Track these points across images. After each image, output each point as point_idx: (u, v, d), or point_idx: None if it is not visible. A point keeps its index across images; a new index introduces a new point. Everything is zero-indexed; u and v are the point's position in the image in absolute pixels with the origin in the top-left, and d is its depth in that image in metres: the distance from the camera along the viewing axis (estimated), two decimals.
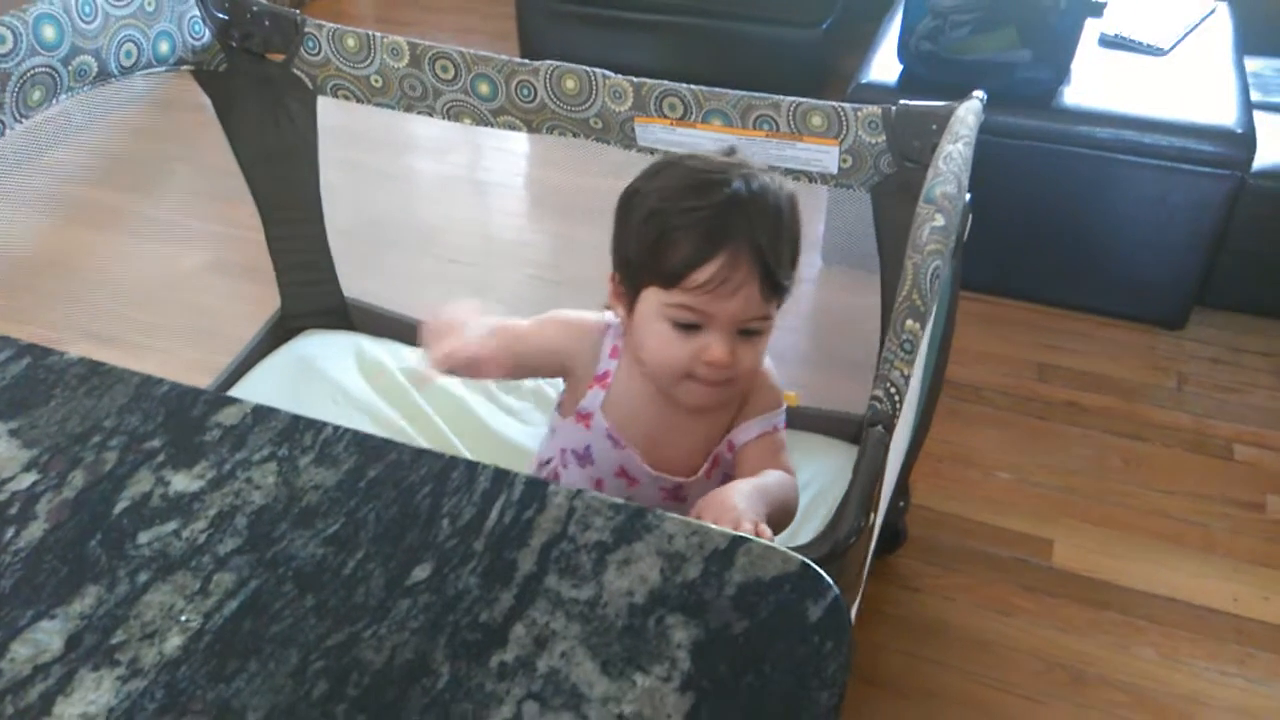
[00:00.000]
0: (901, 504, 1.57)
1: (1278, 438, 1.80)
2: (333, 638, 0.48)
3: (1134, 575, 1.56)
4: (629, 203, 0.96)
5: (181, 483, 0.55)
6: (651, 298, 0.93)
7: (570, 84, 1.26)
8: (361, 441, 0.57)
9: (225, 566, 0.51)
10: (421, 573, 0.51)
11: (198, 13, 1.32)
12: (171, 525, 0.53)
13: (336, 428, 0.57)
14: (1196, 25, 2.16)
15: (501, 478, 0.55)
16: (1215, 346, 2.00)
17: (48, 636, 0.48)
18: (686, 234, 0.89)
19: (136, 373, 0.61)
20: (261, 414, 0.58)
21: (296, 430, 0.57)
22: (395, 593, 0.50)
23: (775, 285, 0.91)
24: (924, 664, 1.44)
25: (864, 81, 2.01)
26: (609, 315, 1.04)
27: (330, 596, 0.49)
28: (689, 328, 0.92)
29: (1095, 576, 1.56)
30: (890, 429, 0.80)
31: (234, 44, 1.37)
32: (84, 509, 0.54)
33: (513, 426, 1.47)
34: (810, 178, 1.25)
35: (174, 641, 0.48)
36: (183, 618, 0.48)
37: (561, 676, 0.46)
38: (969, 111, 1.10)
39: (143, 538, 0.52)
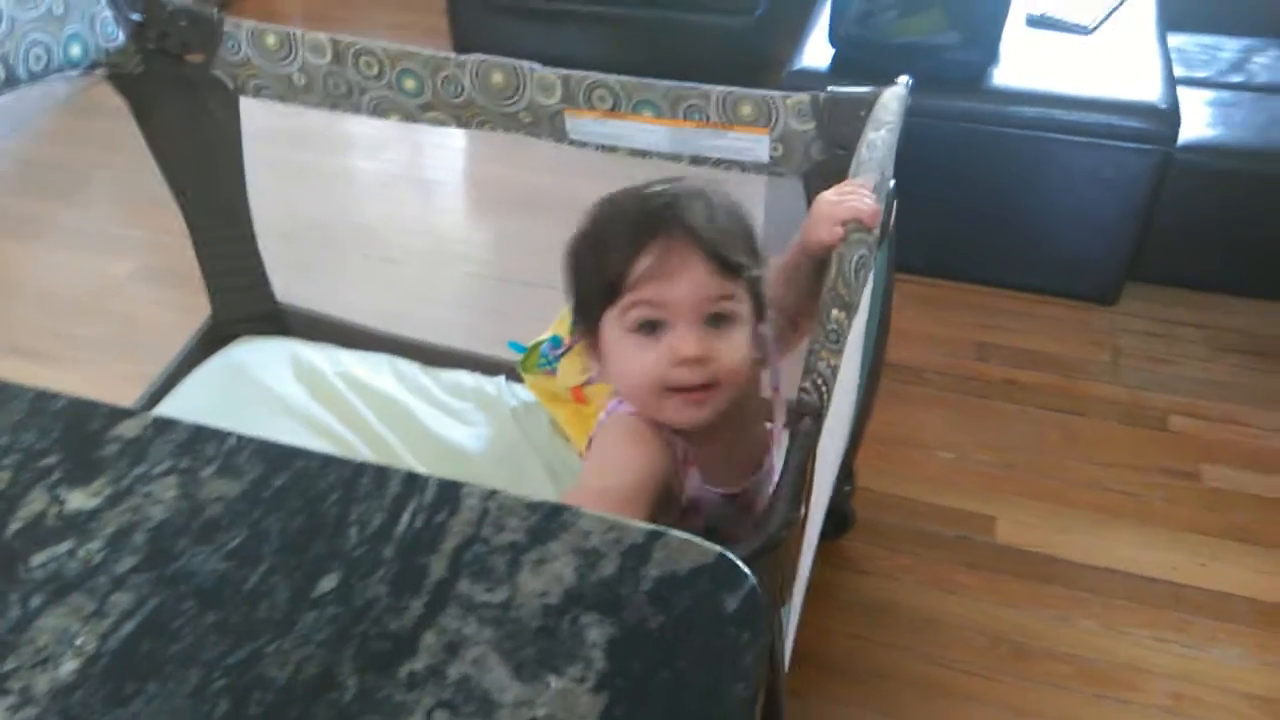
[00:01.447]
0: (847, 488, 1.58)
1: (1210, 408, 1.83)
2: (235, 655, 0.46)
3: (1075, 548, 1.58)
4: (571, 247, 0.94)
5: (77, 500, 0.53)
6: (609, 322, 0.90)
7: (497, 78, 1.25)
8: (266, 450, 0.55)
9: (123, 586, 0.49)
10: (328, 583, 0.49)
11: (110, 14, 1.28)
12: (66, 545, 0.51)
13: (241, 437, 0.56)
14: (1120, 3, 2.20)
15: (412, 482, 0.54)
16: (1148, 320, 2.04)
17: None
18: (618, 239, 0.89)
19: (31, 388, 0.59)
20: (162, 426, 0.56)
21: (199, 441, 0.56)
22: (300, 605, 0.48)
23: (724, 261, 0.87)
24: (873, 646, 1.46)
25: (797, 68, 2.01)
26: (625, 407, 0.97)
27: (232, 612, 0.48)
28: (651, 328, 0.88)
29: (1037, 551, 1.58)
30: (819, 419, 0.80)
31: (150, 45, 1.33)
32: None
33: (455, 429, 1.45)
34: (743, 167, 1.24)
35: (68, 666, 0.46)
36: (78, 641, 0.46)
37: (473, 683, 0.45)
38: (892, 98, 1.10)
39: (36, 559, 0.50)
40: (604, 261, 0.89)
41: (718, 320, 0.89)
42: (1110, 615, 1.49)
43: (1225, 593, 1.52)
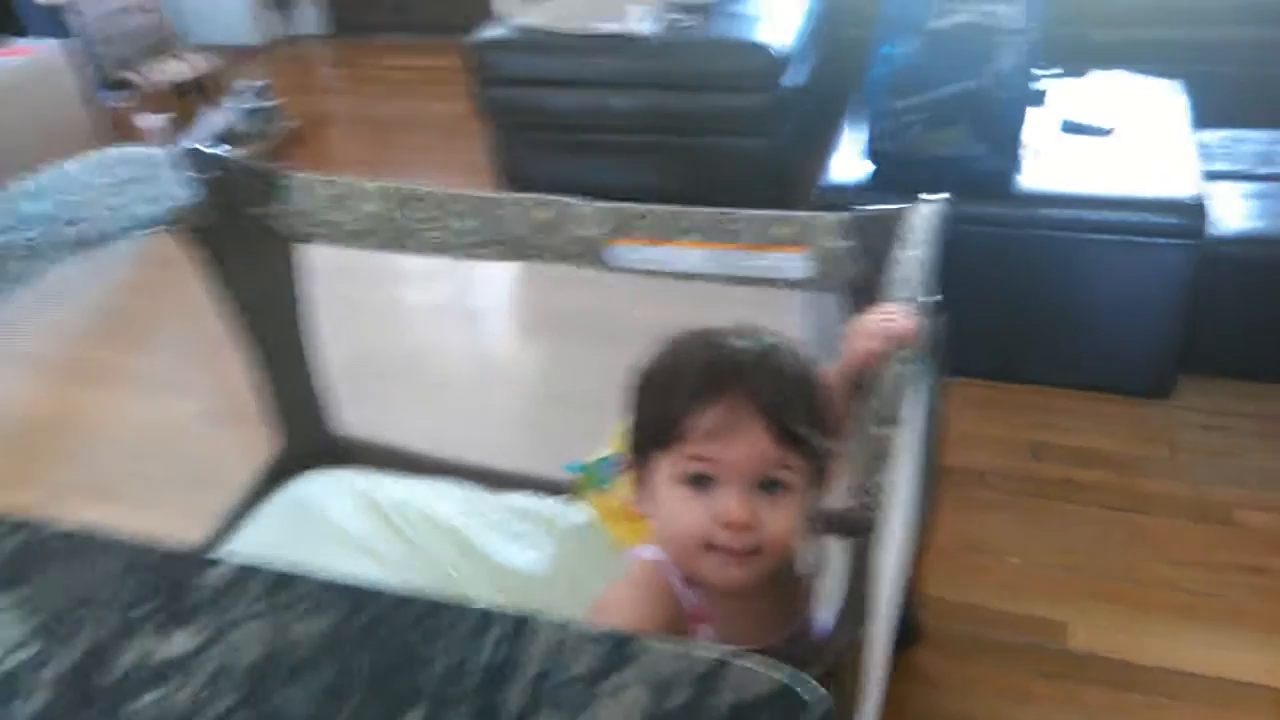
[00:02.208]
0: (915, 599, 1.55)
1: (1276, 500, 1.79)
2: None
3: (1151, 652, 1.54)
4: (638, 378, 0.94)
5: (173, 647, 0.55)
6: (662, 467, 0.89)
7: (542, 215, 1.31)
8: (348, 589, 0.58)
9: None
10: (415, 717, 0.51)
11: (175, 174, 1.37)
12: (163, 690, 0.53)
13: (324, 580, 0.58)
14: (1145, 104, 2.25)
15: (488, 616, 0.56)
16: (1203, 413, 2.01)
17: None
18: (684, 387, 0.88)
19: (128, 541, 0.62)
20: (248, 571, 0.59)
21: (283, 584, 0.58)
22: None
23: (787, 433, 0.86)
24: None
25: (825, 184, 2.07)
26: (647, 551, 0.97)
27: None
28: (702, 483, 0.87)
29: (1113, 656, 1.54)
30: (875, 537, 0.80)
31: (213, 202, 1.41)
32: (81, 679, 0.55)
33: (515, 553, 1.46)
34: (784, 283, 1.28)
35: None
36: None
37: None
38: (920, 216, 1.14)
39: (136, 705, 0.53)
40: (666, 407, 0.88)
41: (771, 486, 0.87)
42: None
43: None
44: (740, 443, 0.86)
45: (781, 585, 0.97)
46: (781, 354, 0.91)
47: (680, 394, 0.88)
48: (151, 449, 2.17)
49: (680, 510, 0.88)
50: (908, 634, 1.56)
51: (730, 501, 0.86)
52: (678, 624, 0.91)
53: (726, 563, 0.88)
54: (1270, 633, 1.56)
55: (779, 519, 0.88)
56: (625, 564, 0.98)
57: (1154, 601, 1.62)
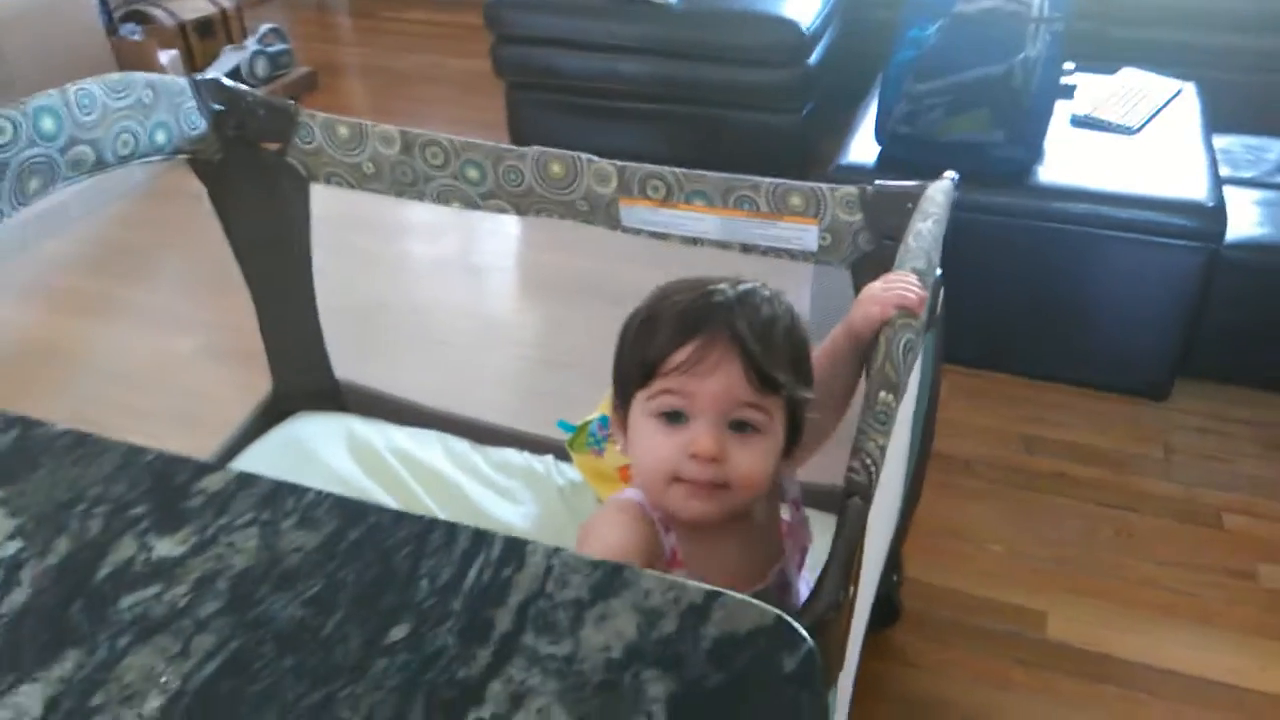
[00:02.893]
0: (895, 578, 1.56)
1: (1266, 506, 1.80)
2: (310, 697, 0.48)
3: (1130, 647, 1.55)
4: (626, 323, 0.95)
5: (164, 548, 0.56)
6: (639, 402, 0.91)
7: (556, 168, 1.30)
8: (343, 505, 0.58)
9: (205, 629, 0.51)
10: (399, 632, 0.51)
11: (194, 104, 1.36)
12: (153, 590, 0.53)
13: (319, 492, 0.58)
14: (1165, 105, 2.24)
15: (480, 538, 0.56)
16: (1200, 416, 2.02)
17: (27, 700, 0.48)
18: (664, 324, 0.89)
19: (123, 442, 0.62)
20: (245, 480, 0.59)
21: (279, 495, 0.58)
22: (373, 652, 0.50)
23: (762, 373, 0.87)
24: None
25: (843, 163, 2.07)
26: (628, 493, 0.98)
27: (308, 657, 0.50)
28: (674, 419, 0.89)
29: (1091, 649, 1.55)
30: (868, 500, 0.80)
31: (230, 134, 1.41)
32: (67, 575, 0.55)
33: (503, 506, 1.47)
34: (792, 255, 1.28)
35: (153, 703, 0.48)
36: (162, 680, 0.48)
37: None
38: (939, 191, 1.14)
39: (124, 602, 0.53)
40: (646, 344, 0.90)
41: (741, 426, 0.89)
42: (1169, 719, 1.44)
43: None
44: (713, 377, 0.87)
45: (752, 535, 0.98)
46: (760, 297, 0.91)
47: (659, 332, 0.89)
48: (146, 383, 2.16)
49: (652, 442, 0.90)
50: (887, 613, 1.57)
51: (699, 434, 0.87)
52: (658, 561, 0.92)
53: (693, 494, 0.89)
54: (1249, 635, 1.57)
55: (748, 457, 0.88)
56: (608, 502, 0.98)
57: (1136, 598, 1.63)
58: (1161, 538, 1.75)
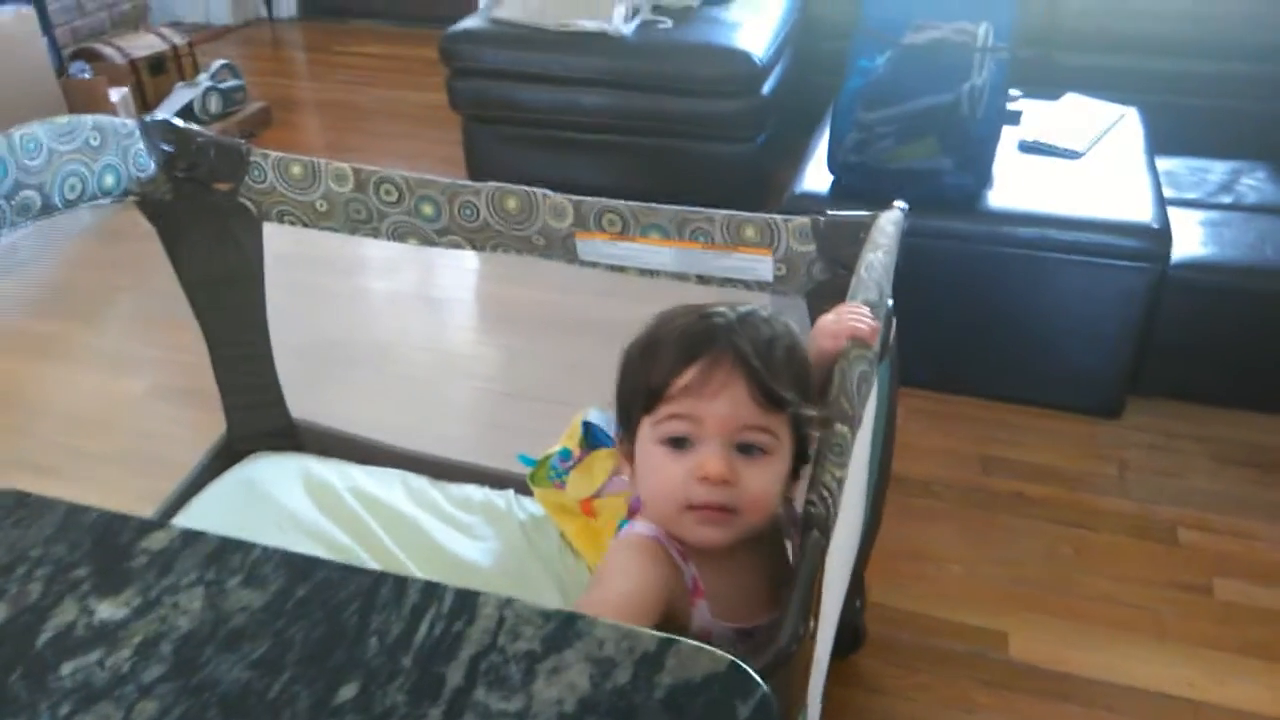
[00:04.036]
0: (858, 603, 1.57)
1: (1218, 521, 1.83)
2: None
3: (1090, 665, 1.56)
4: (626, 351, 0.95)
5: (106, 611, 0.54)
6: (644, 430, 0.91)
7: (512, 204, 1.31)
8: (290, 561, 0.57)
9: (149, 695, 0.50)
10: (348, 692, 0.50)
11: (143, 145, 1.35)
12: (95, 655, 0.52)
13: (265, 548, 0.57)
14: (1109, 129, 2.29)
15: (431, 591, 0.56)
16: (1152, 433, 2.05)
17: None
18: (666, 348, 0.90)
19: (63, 501, 0.61)
20: (190, 538, 0.58)
21: (225, 552, 0.57)
22: (321, 714, 0.49)
23: (768, 392, 0.87)
24: None
25: (798, 192, 2.09)
26: (640, 526, 0.96)
27: None
28: (681, 444, 0.89)
29: (1053, 669, 1.56)
30: (826, 533, 0.81)
31: (180, 174, 1.39)
32: (7, 642, 0.53)
33: (464, 543, 1.45)
34: (748, 285, 1.29)
35: None
36: None
37: None
38: (889, 221, 1.15)
39: (65, 669, 0.52)
40: (650, 369, 0.90)
41: (749, 449, 0.88)
42: None
43: (1245, 711, 1.49)
44: (719, 400, 0.87)
45: (770, 563, 0.97)
46: (759, 317, 0.92)
47: (661, 358, 0.89)
48: (98, 425, 2.13)
49: (660, 469, 0.89)
50: (852, 640, 1.57)
51: (707, 458, 0.87)
52: (680, 594, 0.91)
53: (704, 520, 0.88)
54: (1204, 648, 1.59)
55: (757, 480, 0.88)
56: (618, 540, 0.97)
57: (1094, 615, 1.65)
58: (1117, 554, 1.77)
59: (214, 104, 3.49)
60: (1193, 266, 1.99)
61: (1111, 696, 1.51)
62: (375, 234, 1.38)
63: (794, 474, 0.94)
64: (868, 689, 1.53)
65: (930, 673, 1.56)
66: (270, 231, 1.45)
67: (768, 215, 1.24)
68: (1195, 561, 1.75)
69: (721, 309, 0.92)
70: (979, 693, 1.52)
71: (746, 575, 0.95)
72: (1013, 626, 1.63)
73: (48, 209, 1.24)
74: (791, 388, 0.89)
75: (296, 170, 1.37)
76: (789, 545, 1.03)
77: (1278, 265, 1.99)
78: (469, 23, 2.98)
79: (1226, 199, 2.23)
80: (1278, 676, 1.54)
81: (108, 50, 3.55)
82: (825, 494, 0.82)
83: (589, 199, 1.28)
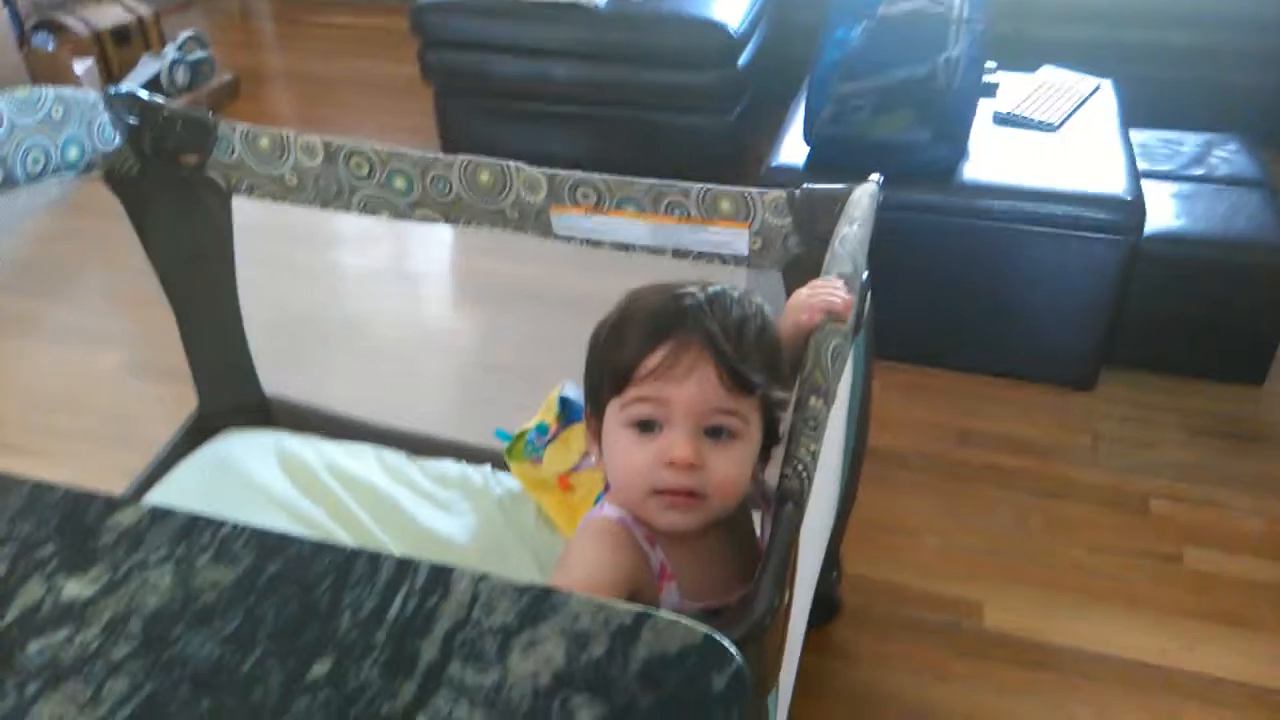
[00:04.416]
0: (834, 574, 1.58)
1: (1190, 490, 1.86)
2: None
3: (1064, 633, 1.58)
4: (595, 331, 0.93)
5: (74, 589, 0.54)
6: (612, 412, 0.89)
7: (485, 177, 1.29)
8: (261, 537, 0.56)
9: (118, 672, 0.49)
10: (321, 668, 0.50)
11: (107, 118, 1.32)
12: (63, 633, 0.51)
13: (236, 524, 0.57)
14: (1083, 102, 2.29)
15: (405, 566, 0.55)
16: (1125, 405, 2.07)
17: None
18: (634, 329, 0.88)
19: (29, 479, 0.60)
20: (159, 515, 0.57)
21: (195, 529, 0.57)
22: (294, 690, 0.49)
23: (737, 376, 0.85)
24: None
25: (774, 165, 2.08)
26: (607, 509, 0.94)
27: (227, 698, 0.48)
28: (648, 428, 0.87)
29: (1027, 637, 1.58)
30: (801, 505, 0.81)
31: (146, 148, 1.37)
32: None
33: (441, 519, 1.45)
34: (724, 259, 1.28)
35: None
36: None
37: None
38: (864, 194, 1.15)
39: (32, 648, 0.51)
40: (617, 350, 0.88)
41: (717, 433, 0.87)
42: (1103, 701, 1.48)
43: (1216, 677, 1.51)
44: (687, 382, 0.85)
45: (738, 542, 0.97)
46: (730, 298, 0.90)
47: (629, 339, 0.88)
48: (68, 402, 2.10)
49: (627, 453, 0.88)
50: (827, 610, 1.58)
51: (674, 442, 0.86)
52: (645, 579, 0.90)
53: (672, 505, 0.87)
54: (1176, 616, 1.61)
55: (725, 464, 0.87)
56: (584, 523, 0.96)
57: (1068, 584, 1.67)
58: (1091, 524, 1.79)
59: (181, 76, 3.43)
60: (1166, 239, 2.01)
61: (1085, 664, 1.53)
62: (346, 207, 1.36)
63: (764, 455, 0.93)
64: (842, 658, 1.55)
65: (905, 642, 1.57)
66: (240, 204, 1.42)
67: (743, 189, 1.23)
68: (1167, 531, 1.77)
69: (691, 288, 0.90)
70: (954, 662, 1.54)
71: (715, 555, 0.95)
72: (987, 596, 1.64)
73: (10, 183, 1.22)
74: (761, 370, 0.87)
75: (265, 143, 1.35)
76: (757, 521, 1.03)
77: (1249, 237, 2.01)
78: None
79: (1199, 171, 2.25)
80: (1248, 642, 1.57)
81: (72, 21, 3.48)
82: (800, 467, 0.82)
83: (563, 172, 1.26)
